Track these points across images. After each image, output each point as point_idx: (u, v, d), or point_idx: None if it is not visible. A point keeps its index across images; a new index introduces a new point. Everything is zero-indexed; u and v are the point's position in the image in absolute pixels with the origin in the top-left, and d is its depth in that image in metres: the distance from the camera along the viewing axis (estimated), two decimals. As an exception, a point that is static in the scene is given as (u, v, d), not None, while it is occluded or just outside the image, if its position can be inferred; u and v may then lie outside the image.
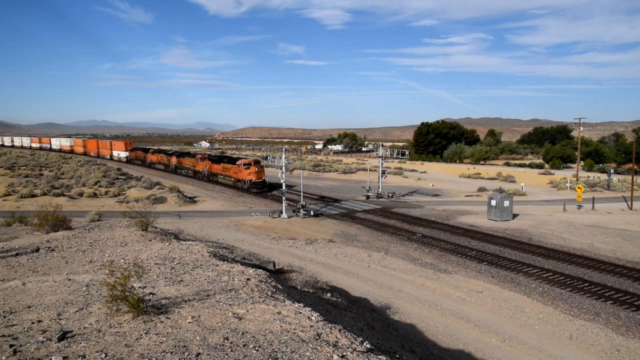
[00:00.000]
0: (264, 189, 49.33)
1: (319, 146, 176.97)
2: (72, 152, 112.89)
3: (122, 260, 13.08)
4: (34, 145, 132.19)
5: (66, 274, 11.73)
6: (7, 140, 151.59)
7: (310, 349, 6.77)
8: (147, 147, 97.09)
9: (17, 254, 14.42)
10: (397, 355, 10.44)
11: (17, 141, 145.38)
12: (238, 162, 51.59)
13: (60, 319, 8.02)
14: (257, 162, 50.98)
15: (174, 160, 69.95)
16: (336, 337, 7.55)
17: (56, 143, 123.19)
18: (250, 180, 48.33)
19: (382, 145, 54.84)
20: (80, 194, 45.62)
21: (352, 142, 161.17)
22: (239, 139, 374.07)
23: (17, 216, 23.90)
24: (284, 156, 39.04)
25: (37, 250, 14.97)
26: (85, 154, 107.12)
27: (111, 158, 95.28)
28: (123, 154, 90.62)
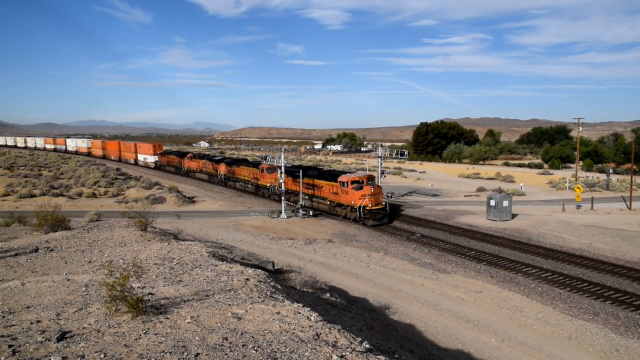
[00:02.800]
0: (384, 219, 34.38)
1: (318, 146, 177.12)
2: (89, 154, 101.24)
3: (121, 261, 13.08)
4: (48, 146, 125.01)
5: (65, 274, 11.72)
6: (20, 141, 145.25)
7: (309, 349, 6.78)
8: (183, 151, 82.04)
9: (16, 254, 14.40)
10: (396, 355, 10.45)
11: (30, 142, 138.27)
12: (342, 179, 35.13)
13: (59, 319, 8.02)
14: (371, 179, 35.12)
15: (222, 168, 54.96)
16: (335, 337, 7.56)
17: (72, 144, 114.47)
18: (364, 207, 33.31)
19: (381, 145, 54.84)
20: (79, 194, 45.59)
21: (351, 142, 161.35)
22: (238, 139, 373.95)
23: (16, 216, 23.90)
24: (282, 156, 39.06)
25: (36, 250, 14.96)
26: (104, 157, 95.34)
27: (136, 163, 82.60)
28: (151, 159, 77.13)
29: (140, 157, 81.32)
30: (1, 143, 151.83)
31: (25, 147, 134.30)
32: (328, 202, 36.89)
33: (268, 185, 45.08)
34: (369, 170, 58.54)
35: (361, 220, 33.71)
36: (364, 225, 33.56)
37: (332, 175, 37.25)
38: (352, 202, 33.93)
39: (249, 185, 49.39)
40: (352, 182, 34.18)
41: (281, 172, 38.21)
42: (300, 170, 40.30)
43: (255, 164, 50.45)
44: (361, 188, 33.70)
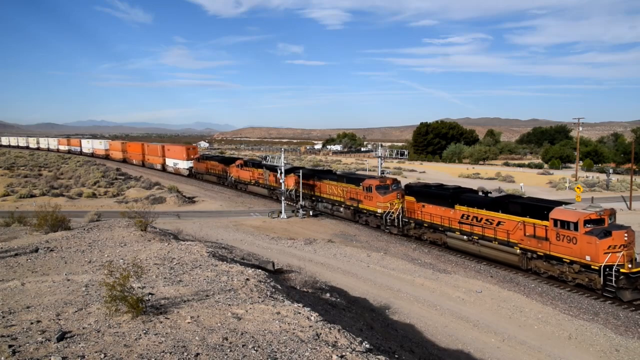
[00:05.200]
0: None
1: (318, 146, 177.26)
2: (107, 157, 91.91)
3: (121, 261, 13.08)
4: (61, 147, 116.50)
5: (65, 274, 11.73)
6: (32, 142, 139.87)
7: (309, 349, 6.78)
8: (228, 157, 67.50)
9: (16, 254, 14.40)
10: (396, 355, 10.45)
11: (43, 143, 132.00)
12: (560, 216, 20.58)
13: (60, 319, 8.02)
14: (613, 214, 20.98)
15: (292, 182, 39.10)
16: (335, 337, 7.56)
17: (87, 146, 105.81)
18: (618, 269, 18.73)
19: (382, 145, 54.85)
20: (79, 194, 45.63)
21: (351, 142, 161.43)
22: (238, 139, 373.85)
23: (16, 216, 23.89)
24: (282, 156, 39.03)
25: (36, 250, 14.96)
26: (124, 160, 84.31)
27: (163, 169, 70.49)
28: (183, 165, 64.19)
29: (170, 162, 68.72)
30: (13, 144, 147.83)
31: (38, 149, 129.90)
32: (519, 251, 22.62)
33: (379, 211, 30.95)
34: (369, 170, 58.45)
35: (610, 291, 19.11)
36: (617, 298, 19.05)
37: (527, 207, 22.64)
38: (588, 258, 19.48)
39: (341, 209, 35.11)
40: (587, 222, 19.67)
41: (281, 172, 38.16)
42: (455, 193, 26.89)
43: (353, 179, 34.75)
44: (608, 234, 19.20)
